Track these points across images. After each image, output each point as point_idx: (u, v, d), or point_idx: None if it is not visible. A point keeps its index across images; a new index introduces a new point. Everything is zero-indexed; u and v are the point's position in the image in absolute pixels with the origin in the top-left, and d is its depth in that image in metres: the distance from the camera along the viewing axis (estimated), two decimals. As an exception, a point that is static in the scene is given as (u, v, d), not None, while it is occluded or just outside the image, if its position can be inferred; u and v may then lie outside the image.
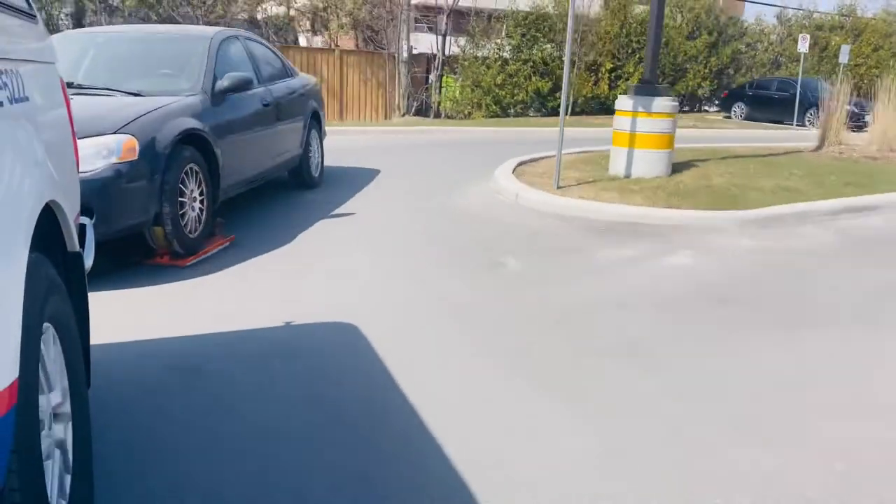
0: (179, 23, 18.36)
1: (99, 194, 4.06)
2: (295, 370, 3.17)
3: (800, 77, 20.82)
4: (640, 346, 3.53)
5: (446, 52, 22.25)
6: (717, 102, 25.10)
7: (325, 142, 7.96)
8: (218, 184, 5.16)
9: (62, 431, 1.84)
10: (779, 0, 27.45)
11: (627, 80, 22.91)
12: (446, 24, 22.15)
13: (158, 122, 4.55)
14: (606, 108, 22.73)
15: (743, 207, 6.35)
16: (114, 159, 4.18)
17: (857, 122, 15.84)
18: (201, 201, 4.92)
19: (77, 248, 2.15)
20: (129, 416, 2.72)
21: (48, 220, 1.88)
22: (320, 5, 21.51)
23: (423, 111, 22.49)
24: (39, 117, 2.08)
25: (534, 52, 22.07)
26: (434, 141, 12.72)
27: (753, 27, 25.99)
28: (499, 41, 22.13)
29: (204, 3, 19.16)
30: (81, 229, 2.48)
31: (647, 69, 8.32)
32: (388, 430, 2.65)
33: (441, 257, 5.12)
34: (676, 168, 8.09)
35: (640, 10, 23.32)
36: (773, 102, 21.96)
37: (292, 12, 23.85)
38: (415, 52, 22.70)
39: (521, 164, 8.40)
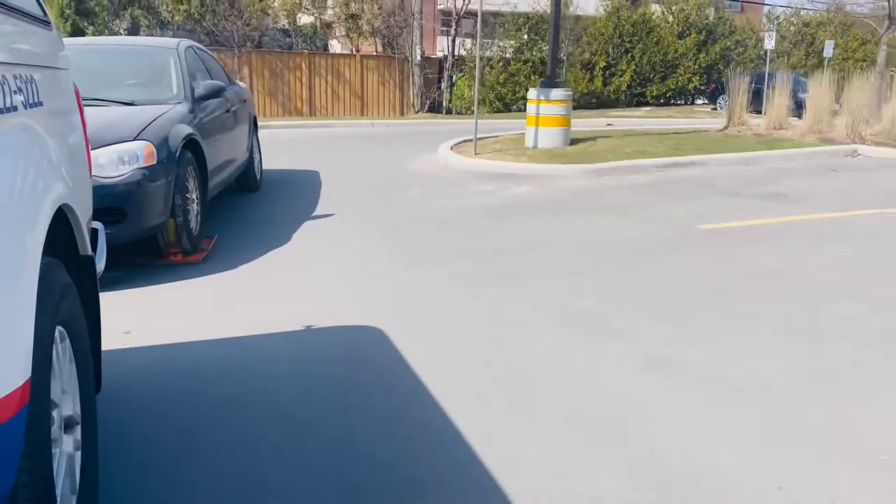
0: (221, 35, 21.56)
1: (130, 198, 4.37)
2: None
3: (766, 70, 22.93)
4: (472, 227, 6.19)
5: (456, 54, 25.06)
6: (706, 95, 27.26)
7: (352, 130, 10.76)
8: (207, 184, 5.50)
9: (71, 433, 1.85)
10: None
11: (621, 76, 25.39)
12: (455, 29, 24.95)
13: (165, 129, 4.84)
14: (601, 103, 25.23)
15: (596, 163, 8.98)
16: (139, 164, 4.46)
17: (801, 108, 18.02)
18: (197, 201, 5.24)
19: (89, 251, 2.17)
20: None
21: (61, 223, 1.91)
22: (343, 15, 24.40)
23: (435, 108, 25.33)
24: (53, 122, 2.11)
25: (533, 53, 24.69)
26: (421, 131, 15.49)
27: (743, 25, 28.06)
28: (501, 44, 24.81)
29: (241, 16, 22.25)
30: (93, 233, 2.51)
31: (550, 68, 10.96)
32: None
33: (381, 188, 7.90)
34: (576, 141, 10.72)
35: (631, 12, 25.76)
36: (752, 94, 24.10)
37: (325, 20, 26.85)
38: (429, 55, 25.57)
39: (463, 141, 11.13)
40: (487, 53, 24.73)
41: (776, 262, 4.99)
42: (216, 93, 5.88)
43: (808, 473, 2.39)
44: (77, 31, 16.95)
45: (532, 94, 10.40)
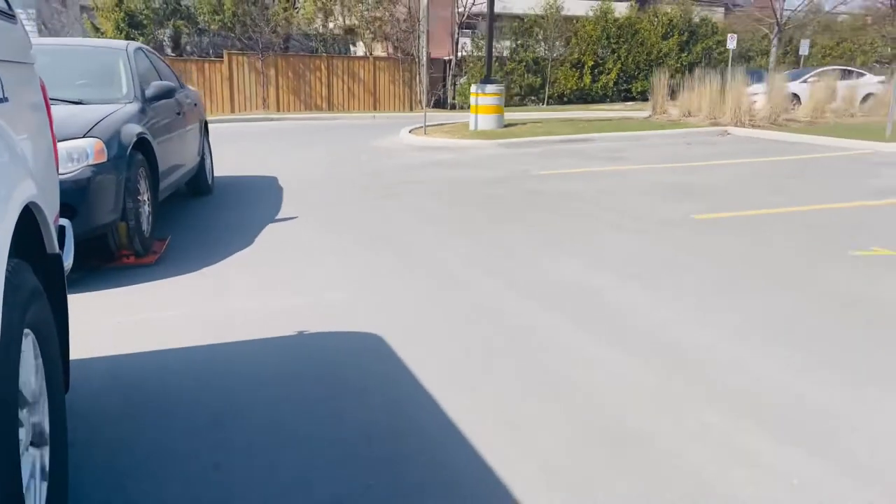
0: (251, 39, 25.00)
1: (79, 195, 4.27)
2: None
3: (728, 66, 25.51)
4: (389, 174, 9.23)
5: (458, 56, 28.15)
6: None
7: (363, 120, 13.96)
8: (158, 186, 5.43)
9: (40, 437, 1.83)
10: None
11: (608, 74, 28.20)
12: (458, 32, 28.02)
13: (115, 127, 4.76)
14: (591, 99, 28.06)
15: (508, 139, 11.98)
16: (89, 161, 4.37)
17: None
18: (148, 202, 5.15)
19: (56, 249, 2.13)
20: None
21: (28, 221, 1.88)
22: (359, 23, 27.67)
23: (441, 104, 28.46)
24: (19, 118, 2.08)
25: (526, 53, 27.64)
26: (412, 121, 18.62)
27: (724, 26, 30.58)
28: (497, 45, 27.80)
29: (269, 24, 25.68)
30: (61, 230, 2.48)
31: (486, 70, 13.99)
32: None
33: (348, 153, 11.02)
34: (510, 125, 13.73)
35: (618, 14, 28.54)
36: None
37: (346, 26, 30.17)
38: (435, 56, 28.68)
39: (427, 126, 14.22)
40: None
41: (565, 188, 7.94)
42: (167, 94, 5.88)
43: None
44: (129, 41, 20.53)
45: (473, 88, 13.45)
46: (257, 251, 5.31)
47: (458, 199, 7.38)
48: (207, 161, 7.72)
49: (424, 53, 28.25)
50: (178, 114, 6.42)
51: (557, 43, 28.27)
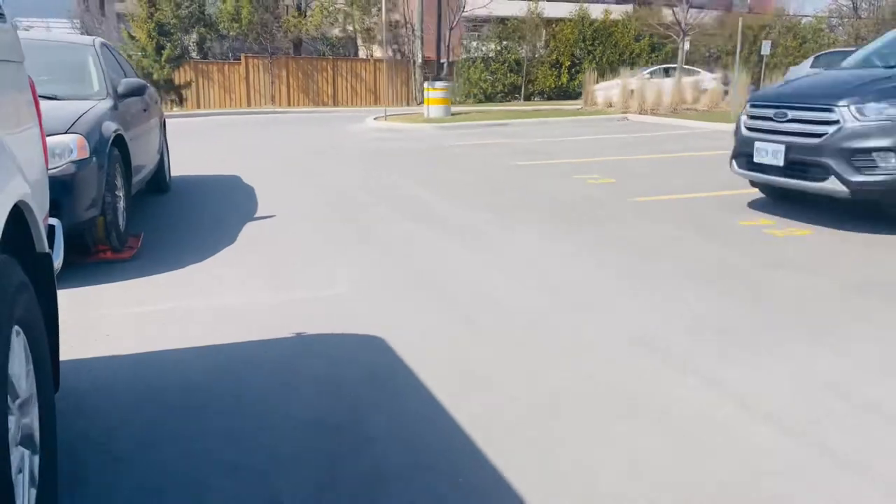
0: (267, 43, 28.74)
1: (64, 191, 4.26)
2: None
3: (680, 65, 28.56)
4: (347, 149, 12.67)
5: (450, 58, 31.58)
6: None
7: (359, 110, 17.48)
8: (131, 181, 5.49)
9: (29, 434, 1.83)
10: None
11: (584, 73, 31.40)
12: (448, 36, 31.44)
13: (96, 123, 4.79)
14: (568, 95, 31.29)
15: (447, 123, 15.39)
16: (72, 157, 4.41)
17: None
18: (123, 198, 5.16)
19: (46, 248, 2.12)
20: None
21: (17, 219, 1.88)
22: (358, 28, 31.26)
23: (435, 100, 31.97)
24: (8, 115, 2.07)
25: (510, 54, 30.99)
26: (386, 113, 22.11)
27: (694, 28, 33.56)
28: (483, 48, 31.22)
29: (281, 29, 29.38)
30: (50, 230, 2.46)
31: (436, 70, 17.41)
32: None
33: (319, 132, 14.49)
34: (457, 114, 17.12)
35: (594, 17, 31.77)
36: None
37: (349, 33, 33.81)
38: (428, 58, 32.19)
39: (387, 115, 17.66)
40: (474, 55, 31.19)
41: (456, 153, 11.23)
42: (137, 91, 5.93)
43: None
44: (159, 47, 24.25)
45: (426, 84, 16.87)
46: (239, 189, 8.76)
47: (378, 157, 10.79)
48: (166, 159, 7.75)
49: (419, 56, 31.86)
50: (144, 110, 6.52)
51: (539, 45, 31.60)
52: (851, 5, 37.51)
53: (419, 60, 31.31)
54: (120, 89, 5.70)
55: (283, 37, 29.83)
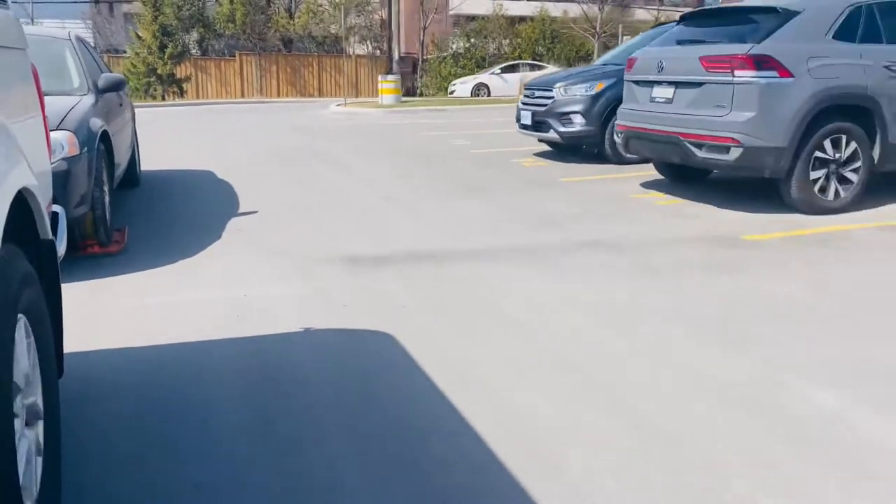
0: (257, 42, 32.35)
1: (55, 187, 4.02)
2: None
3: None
4: (306, 123, 16.24)
5: (425, 55, 35.15)
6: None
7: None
8: (113, 175, 5.52)
9: (34, 423, 1.86)
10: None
11: (544, 69, 34.88)
12: (423, 35, 35.00)
13: (84, 119, 4.79)
14: (531, 87, 34.75)
15: (392, 108, 18.95)
16: (64, 154, 4.39)
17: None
18: (107, 193, 5.15)
19: (50, 235, 2.15)
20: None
21: (21, 206, 1.90)
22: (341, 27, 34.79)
23: (411, 92, 35.48)
24: (10, 103, 2.08)
25: (477, 51, 34.52)
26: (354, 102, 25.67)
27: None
28: (453, 46, 34.76)
29: (271, 27, 32.97)
30: (53, 217, 2.49)
31: (388, 65, 20.96)
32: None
33: (289, 116, 18.09)
34: (407, 101, 20.68)
35: (555, 16, 35.24)
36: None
37: (340, 30, 37.35)
38: (406, 53, 35.75)
39: (346, 102, 21.22)
40: (444, 53, 34.74)
41: (383, 129, 14.74)
42: (117, 86, 5.94)
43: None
44: (163, 46, 27.89)
45: (380, 77, 20.45)
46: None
47: (325, 131, 14.37)
48: (136, 153, 7.72)
49: (396, 52, 35.43)
50: (120, 105, 6.54)
51: (504, 42, 35.13)
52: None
53: (396, 57, 34.88)
54: (100, 84, 5.75)
55: (274, 35, 33.46)
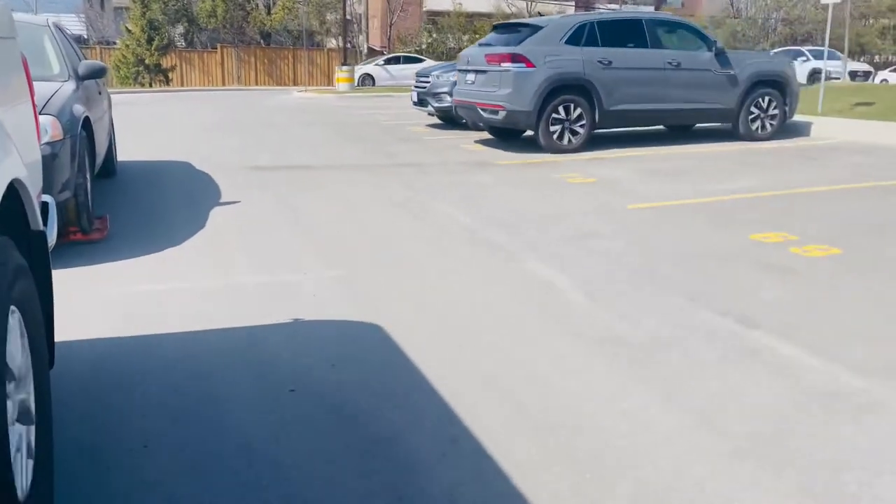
0: (243, 35, 35.57)
1: (43, 172, 3.84)
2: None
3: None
4: (268, 105, 19.56)
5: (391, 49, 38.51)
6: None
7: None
8: (94, 163, 5.57)
9: (25, 414, 1.85)
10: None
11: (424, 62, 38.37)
12: (390, 31, 38.35)
13: (66, 105, 4.84)
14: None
15: (347, 95, 22.31)
16: (48, 139, 4.37)
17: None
18: (89, 180, 5.17)
19: (41, 226, 2.15)
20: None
21: (12, 197, 1.90)
22: (315, 22, 38.17)
23: (374, 83, 38.79)
24: (1, 91, 2.08)
25: (439, 45, 37.91)
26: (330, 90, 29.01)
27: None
28: (417, 41, 38.13)
29: (249, 22, 36.21)
30: (44, 207, 2.46)
31: (343, 56, 24.32)
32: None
33: (258, 100, 21.40)
34: (361, 89, 24.05)
35: (509, 11, 38.59)
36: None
37: (307, 22, 40.66)
38: (373, 46, 39.11)
39: (307, 88, 24.56)
40: (409, 48, 38.09)
41: (332, 110, 18.08)
42: (97, 73, 5.94)
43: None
44: (150, 38, 31.15)
45: (337, 67, 23.84)
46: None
47: (281, 110, 17.72)
48: (114, 142, 7.66)
49: (365, 46, 38.80)
50: (99, 93, 6.56)
51: (464, 38, 38.51)
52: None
53: (364, 50, 38.26)
54: (81, 71, 5.72)
55: (252, 30, 36.76)
